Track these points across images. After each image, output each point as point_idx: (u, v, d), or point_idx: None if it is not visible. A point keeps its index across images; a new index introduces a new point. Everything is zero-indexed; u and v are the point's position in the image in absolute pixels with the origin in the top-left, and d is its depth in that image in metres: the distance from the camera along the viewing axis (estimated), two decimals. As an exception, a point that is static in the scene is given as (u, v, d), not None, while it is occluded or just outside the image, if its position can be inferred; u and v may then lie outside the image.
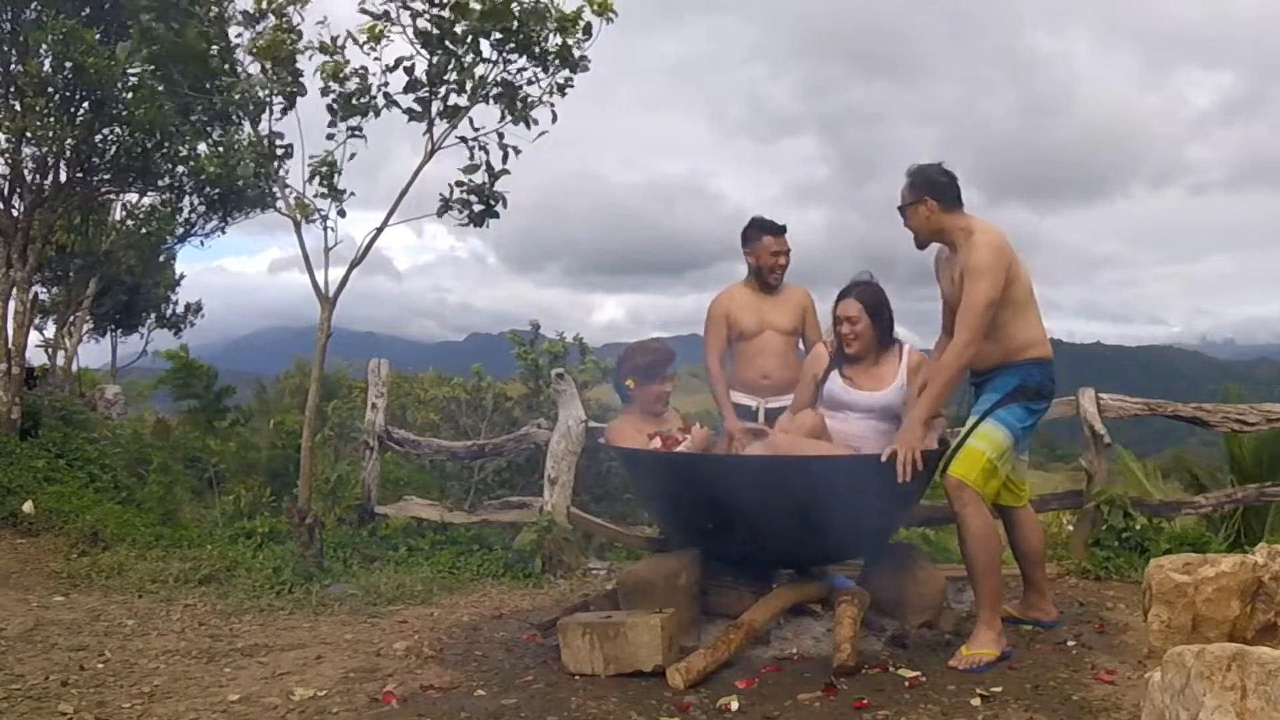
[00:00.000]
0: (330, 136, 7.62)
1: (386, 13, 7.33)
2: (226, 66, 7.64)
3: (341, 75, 7.45)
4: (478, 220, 7.71)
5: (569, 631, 5.21)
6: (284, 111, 7.61)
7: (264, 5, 7.44)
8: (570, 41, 7.51)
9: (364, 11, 7.32)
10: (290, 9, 7.43)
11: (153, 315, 21.70)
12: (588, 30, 7.48)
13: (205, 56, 7.47)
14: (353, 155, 7.67)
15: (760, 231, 6.97)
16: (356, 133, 7.64)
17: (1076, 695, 4.68)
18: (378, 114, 7.59)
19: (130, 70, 9.21)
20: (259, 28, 7.53)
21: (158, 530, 9.41)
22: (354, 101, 7.53)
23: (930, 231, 5.65)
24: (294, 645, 5.90)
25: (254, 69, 7.61)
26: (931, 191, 5.59)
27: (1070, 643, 5.62)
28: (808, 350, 6.84)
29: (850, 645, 5.08)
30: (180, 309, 22.81)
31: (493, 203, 7.70)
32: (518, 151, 7.59)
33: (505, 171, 7.64)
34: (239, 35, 7.63)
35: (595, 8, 7.42)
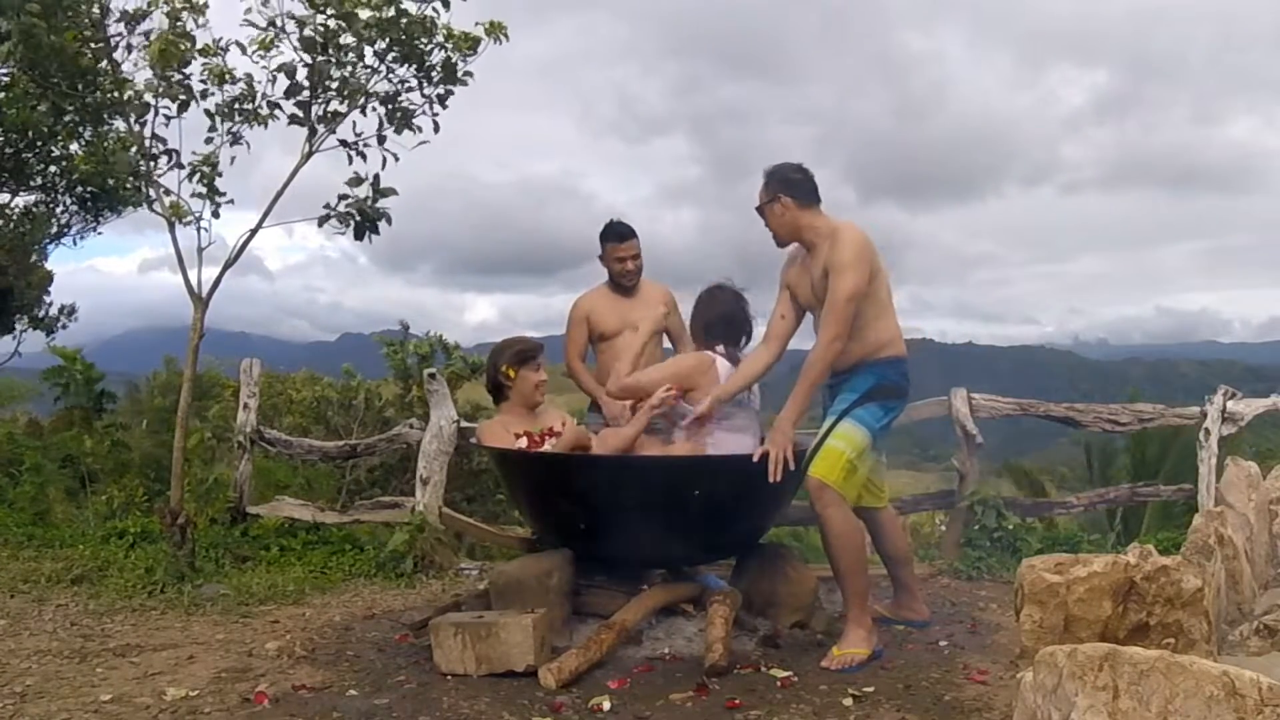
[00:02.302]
0: (209, 140, 7.49)
1: (273, 22, 7.22)
2: (102, 65, 7.46)
3: (227, 78, 7.33)
4: (358, 234, 7.59)
5: (441, 631, 5.17)
6: (169, 119, 7.45)
7: (148, 6, 7.27)
8: (455, 57, 7.45)
9: (248, 23, 7.21)
10: (185, 14, 7.26)
11: (25, 317, 21.17)
12: (474, 45, 7.42)
13: (79, 56, 7.29)
14: (233, 160, 7.56)
15: (605, 239, 7.00)
16: (237, 139, 7.52)
17: (949, 695, 4.74)
18: (265, 124, 7.48)
19: (1, 70, 8.99)
20: (143, 27, 7.36)
21: (30, 530, 9.19)
22: (238, 107, 7.42)
23: (788, 230, 5.69)
24: (166, 645, 5.78)
25: (129, 66, 7.43)
26: (786, 189, 5.63)
27: (943, 643, 5.71)
28: (676, 347, 6.89)
29: (722, 645, 5.11)
30: (54, 310, 22.36)
31: (375, 218, 7.58)
32: (396, 158, 7.50)
33: (392, 190, 7.53)
34: (118, 35, 7.45)
35: (489, 28, 7.38)
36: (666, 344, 7.12)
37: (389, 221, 7.62)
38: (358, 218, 7.57)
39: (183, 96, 7.34)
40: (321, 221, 7.59)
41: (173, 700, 4.77)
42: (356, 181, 7.55)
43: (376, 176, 7.55)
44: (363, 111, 7.53)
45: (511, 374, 6.32)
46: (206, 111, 7.40)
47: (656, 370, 6.16)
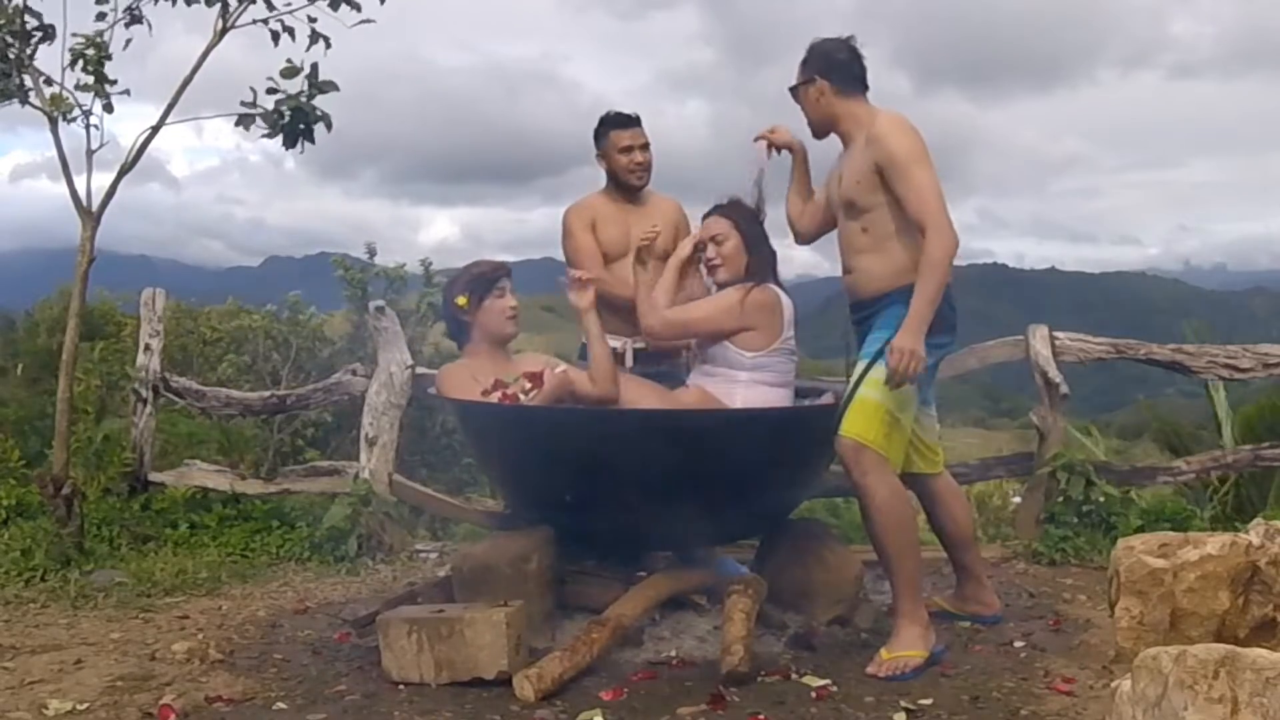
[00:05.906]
0: (101, 16, 7.39)
1: None
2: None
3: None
4: (289, 140, 7.45)
5: (392, 630, 5.17)
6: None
7: None
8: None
9: None
10: None
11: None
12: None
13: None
14: (128, 42, 7.45)
15: (607, 128, 6.87)
16: (135, 14, 7.42)
17: (1026, 709, 4.72)
18: None
19: None
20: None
21: (-123, 505, 9.21)
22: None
23: (823, 119, 5.78)
24: (48, 646, 5.79)
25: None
26: (824, 70, 5.69)
27: (1018, 643, 5.69)
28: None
29: (743, 646, 5.09)
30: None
31: (311, 120, 7.43)
32: (328, 44, 7.36)
33: (333, 85, 7.38)
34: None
35: None
36: None
37: (328, 126, 7.48)
38: (288, 118, 7.44)
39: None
40: (244, 123, 7.44)
41: (56, 715, 4.77)
42: (291, 72, 7.36)
43: (315, 67, 7.38)
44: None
45: (464, 303, 6.20)
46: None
47: (709, 303, 6.08)
